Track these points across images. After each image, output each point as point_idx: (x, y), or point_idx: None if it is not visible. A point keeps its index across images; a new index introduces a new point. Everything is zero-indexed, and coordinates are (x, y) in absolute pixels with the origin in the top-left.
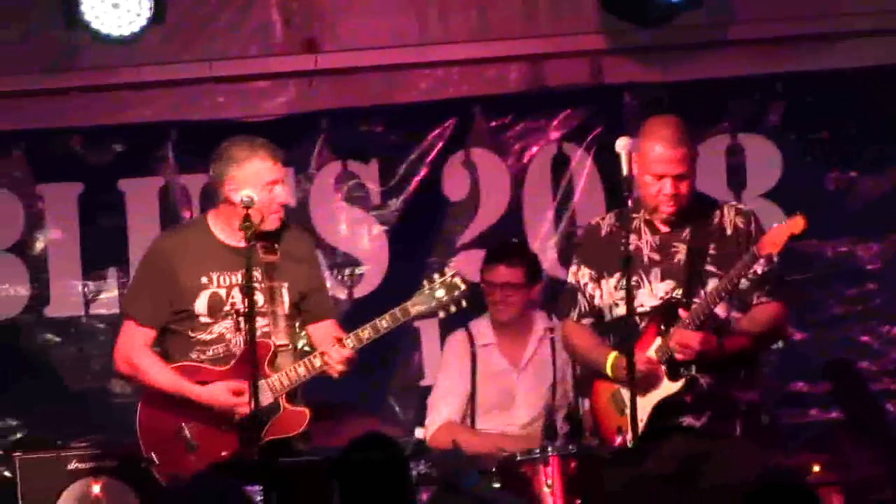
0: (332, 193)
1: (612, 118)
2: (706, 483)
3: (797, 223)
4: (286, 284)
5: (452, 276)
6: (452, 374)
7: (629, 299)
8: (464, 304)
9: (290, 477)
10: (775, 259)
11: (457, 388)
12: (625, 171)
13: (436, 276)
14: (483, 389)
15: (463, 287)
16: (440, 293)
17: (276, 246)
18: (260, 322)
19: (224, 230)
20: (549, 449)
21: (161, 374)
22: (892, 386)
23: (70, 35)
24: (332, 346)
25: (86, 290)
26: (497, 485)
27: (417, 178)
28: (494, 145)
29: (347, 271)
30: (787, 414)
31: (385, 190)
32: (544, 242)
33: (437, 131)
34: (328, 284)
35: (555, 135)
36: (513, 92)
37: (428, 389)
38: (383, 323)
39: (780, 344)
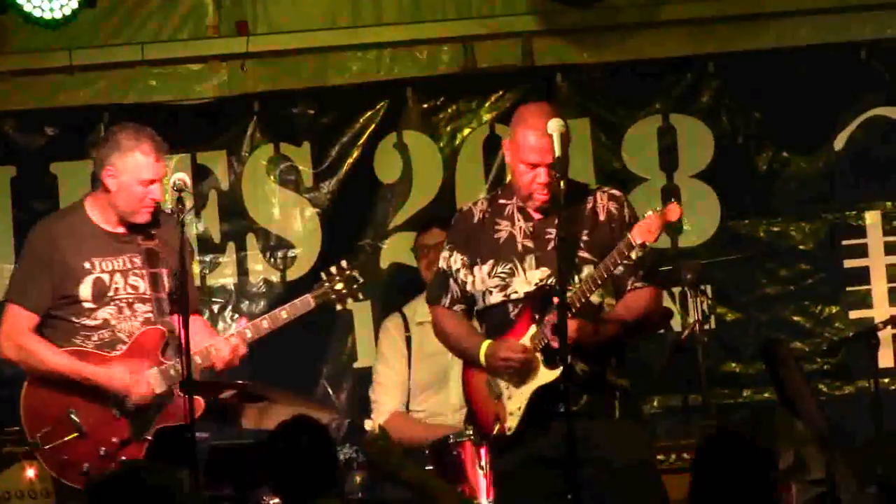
0: (265, 176)
1: (544, 100)
2: (591, 465)
3: (672, 211)
4: (166, 271)
5: (351, 269)
6: (390, 363)
7: (562, 284)
8: (360, 296)
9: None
10: (648, 244)
11: (396, 378)
12: (557, 152)
13: (333, 269)
14: (418, 371)
15: (360, 280)
16: (339, 286)
17: (153, 233)
18: (143, 308)
19: (101, 216)
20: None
21: (55, 357)
22: (825, 366)
23: (1, 18)
24: (222, 339)
25: None
26: (429, 467)
27: (350, 161)
28: (426, 127)
29: (280, 254)
30: (719, 394)
31: (317, 172)
32: None
33: (368, 113)
34: (259, 268)
35: (487, 116)
36: (444, 74)
37: (361, 372)
38: (283, 314)
39: (662, 330)
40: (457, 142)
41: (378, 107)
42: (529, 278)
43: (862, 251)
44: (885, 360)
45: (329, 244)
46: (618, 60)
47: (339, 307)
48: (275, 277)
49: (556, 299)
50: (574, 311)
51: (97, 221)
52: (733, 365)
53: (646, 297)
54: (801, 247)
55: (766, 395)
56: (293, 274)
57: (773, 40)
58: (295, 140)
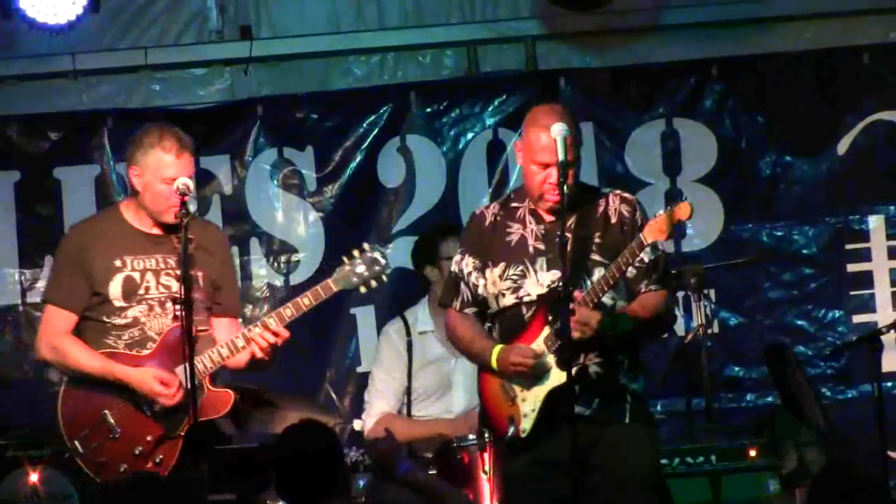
0: (268, 180)
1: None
2: (600, 469)
3: (683, 209)
4: (201, 273)
5: (372, 251)
6: (387, 368)
7: (566, 287)
8: (384, 279)
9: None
10: (661, 247)
11: (392, 382)
12: (560, 157)
13: (355, 251)
14: (420, 377)
15: (383, 262)
16: (360, 269)
17: (191, 236)
18: (174, 307)
19: (136, 217)
20: (486, 435)
21: (88, 357)
22: (828, 370)
23: (6, 23)
24: (255, 328)
25: (22, 278)
26: (433, 471)
27: (353, 165)
28: (430, 131)
29: (283, 258)
30: (723, 398)
31: (321, 177)
32: None
33: (372, 118)
34: (263, 273)
35: (490, 121)
36: (448, 78)
37: (364, 376)
38: (305, 301)
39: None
40: (460, 146)
41: (381, 111)
42: (541, 280)
43: (865, 255)
44: (888, 363)
45: (332, 248)
46: (621, 65)
47: (362, 290)
48: (278, 282)
49: (576, 294)
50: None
51: (131, 222)
52: (737, 369)
53: (660, 299)
54: (804, 251)
55: (770, 398)
56: (296, 278)
57: (776, 44)
58: (298, 144)
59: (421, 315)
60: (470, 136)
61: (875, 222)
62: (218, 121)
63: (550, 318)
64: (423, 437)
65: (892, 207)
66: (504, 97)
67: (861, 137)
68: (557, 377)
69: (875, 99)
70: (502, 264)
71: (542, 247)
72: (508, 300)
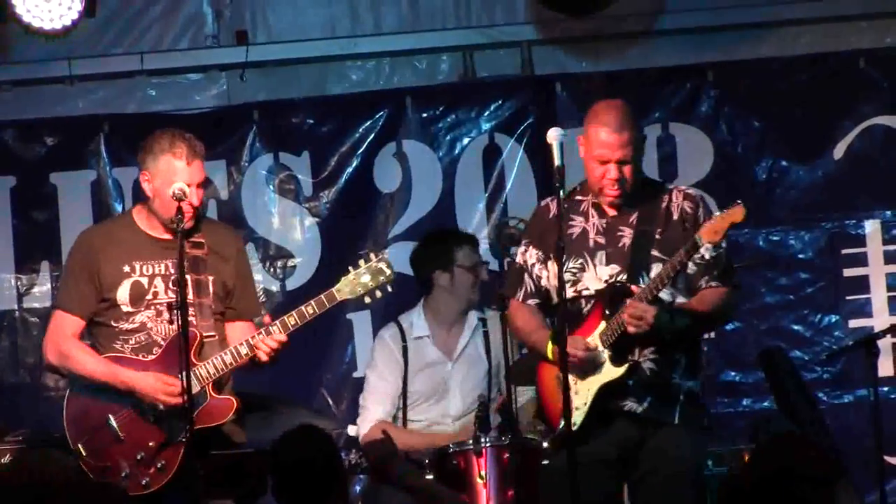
0: (264, 185)
1: (543, 109)
2: (642, 469)
3: (738, 212)
4: (212, 278)
5: (378, 261)
6: (382, 373)
7: (562, 286)
8: (389, 289)
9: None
10: (723, 245)
11: (387, 387)
12: (556, 162)
13: (361, 261)
14: (416, 382)
15: (388, 272)
16: (366, 279)
17: (203, 241)
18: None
19: (147, 222)
20: (483, 440)
21: (93, 362)
22: (825, 375)
23: (1, 28)
24: (258, 335)
25: (18, 283)
26: (430, 476)
27: (349, 170)
28: (426, 136)
29: (280, 263)
30: (719, 403)
31: (317, 182)
32: (476, 233)
33: (368, 123)
34: (259, 278)
35: (486, 126)
36: (444, 83)
37: (361, 381)
38: (309, 310)
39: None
40: (456, 151)
41: (377, 116)
42: (600, 274)
43: (862, 260)
44: (884, 368)
45: (328, 253)
46: (617, 69)
47: (367, 300)
48: (274, 287)
49: (634, 288)
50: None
51: (143, 227)
52: (733, 374)
53: (720, 295)
54: (800, 256)
55: (766, 403)
56: (293, 283)
57: (772, 49)
58: (294, 149)
59: (416, 320)
60: (466, 140)
61: (871, 227)
62: (214, 126)
63: (607, 312)
64: (420, 448)
65: (888, 212)
66: (500, 102)
67: (857, 142)
68: (610, 372)
69: (871, 104)
70: (564, 257)
71: (602, 241)
72: (568, 293)
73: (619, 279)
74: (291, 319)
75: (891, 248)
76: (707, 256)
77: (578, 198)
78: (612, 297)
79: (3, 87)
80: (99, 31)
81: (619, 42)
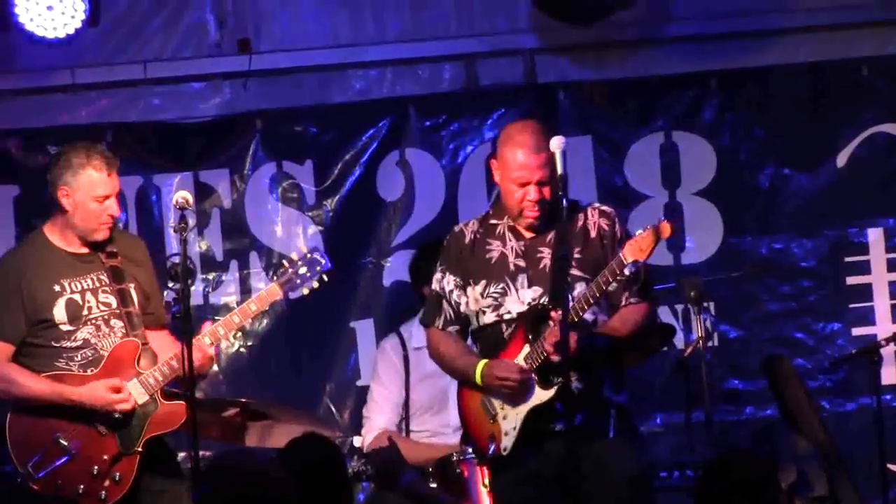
0: (267, 194)
1: (546, 117)
2: (590, 482)
3: (664, 229)
4: (133, 286)
5: (312, 252)
6: (385, 384)
7: (564, 303)
8: (325, 278)
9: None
10: (641, 261)
11: (390, 397)
12: (559, 170)
13: (294, 255)
14: (418, 391)
15: (322, 261)
16: (302, 270)
17: (116, 250)
18: (119, 324)
19: (62, 239)
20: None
21: (35, 383)
22: (828, 383)
23: (4, 37)
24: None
25: None
26: (433, 484)
27: (352, 179)
28: (429, 145)
29: None
30: (722, 411)
31: (320, 190)
32: None
33: (371, 131)
34: (262, 286)
35: (489, 134)
36: (447, 91)
37: (364, 390)
38: (252, 306)
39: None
40: (459, 159)
41: (380, 124)
42: (522, 298)
43: (864, 268)
44: (887, 377)
45: (331, 262)
46: (620, 77)
47: (305, 292)
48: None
49: (554, 314)
50: (569, 327)
51: (59, 245)
52: (736, 382)
53: (640, 312)
54: (803, 264)
55: (769, 411)
56: (295, 292)
57: (774, 57)
58: (297, 158)
59: (415, 331)
60: (469, 149)
61: (874, 235)
62: (217, 134)
63: (531, 335)
64: (420, 461)
65: (891, 220)
66: (503, 110)
67: (860, 150)
68: (539, 395)
69: (873, 111)
70: (483, 282)
71: (522, 264)
72: (489, 318)
73: (541, 301)
74: (235, 317)
75: (894, 256)
76: (627, 272)
77: (493, 221)
78: (534, 320)
79: (7, 95)
80: (102, 40)
81: (621, 50)
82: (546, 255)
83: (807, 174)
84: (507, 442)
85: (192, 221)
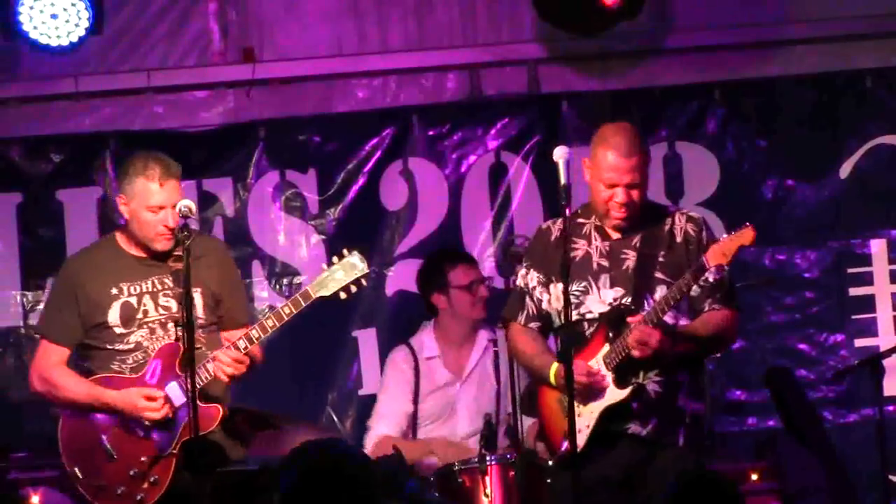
0: (270, 203)
1: (549, 127)
2: (646, 491)
3: (747, 234)
4: (199, 290)
5: (351, 255)
6: (392, 394)
7: (567, 308)
8: (363, 283)
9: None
10: (726, 268)
11: (397, 408)
12: (562, 181)
13: (335, 258)
14: (427, 402)
15: (361, 266)
16: (339, 275)
17: (183, 254)
18: (175, 327)
19: (129, 243)
20: (488, 458)
21: (76, 387)
22: (830, 394)
23: (8, 45)
24: (225, 349)
25: (24, 300)
26: (436, 493)
27: (355, 188)
28: (432, 154)
29: (286, 281)
30: (725, 422)
31: (323, 199)
32: (482, 252)
33: (374, 140)
34: (265, 295)
35: (492, 144)
36: (450, 101)
37: (366, 399)
38: (286, 310)
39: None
40: (462, 169)
41: (384, 134)
42: (604, 297)
43: (867, 279)
44: (890, 388)
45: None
46: (623, 88)
47: (342, 296)
48: (280, 304)
49: (631, 318)
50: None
51: (126, 248)
52: (738, 392)
53: (723, 318)
54: (806, 275)
55: (772, 422)
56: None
57: (779, 68)
58: (301, 167)
59: (427, 341)
60: (472, 158)
61: (877, 246)
62: (220, 143)
63: (611, 335)
64: (416, 458)
65: (894, 231)
66: (506, 120)
67: (863, 161)
68: (614, 395)
69: (877, 123)
70: None
71: (605, 264)
72: (572, 316)
73: (622, 302)
74: (269, 321)
75: None
76: (711, 279)
77: (580, 220)
78: (615, 320)
79: (10, 103)
80: (106, 48)
81: (625, 60)
82: (630, 256)
83: (810, 185)
84: (580, 440)
85: (195, 229)
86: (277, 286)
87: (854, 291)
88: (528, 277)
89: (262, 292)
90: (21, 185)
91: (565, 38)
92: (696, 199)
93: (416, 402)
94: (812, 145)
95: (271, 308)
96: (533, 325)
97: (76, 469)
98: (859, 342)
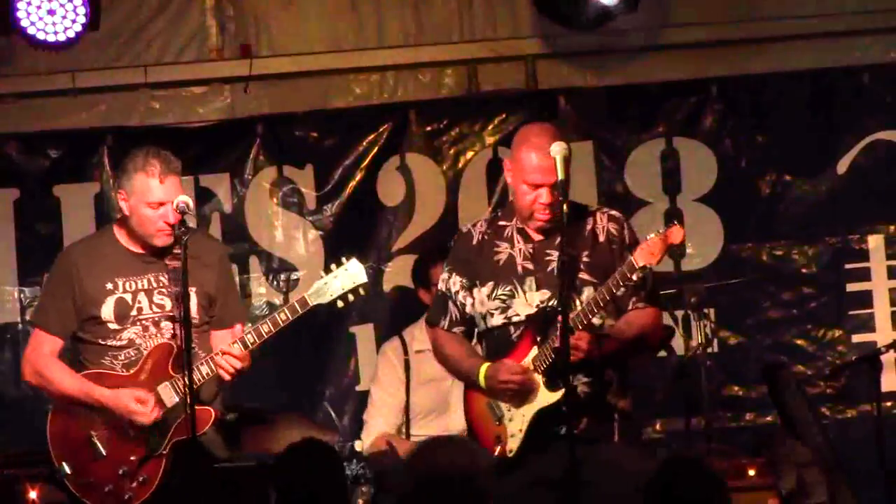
0: (268, 199)
1: (546, 121)
2: (590, 487)
3: (675, 233)
4: (194, 289)
5: (350, 264)
6: (386, 387)
7: (564, 306)
8: (361, 292)
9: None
10: (650, 267)
11: (391, 401)
12: (560, 176)
13: (333, 265)
14: (419, 395)
15: (360, 276)
16: (337, 283)
17: (182, 252)
18: (169, 326)
19: (128, 238)
20: None
21: (68, 381)
22: (828, 390)
23: (5, 41)
24: (227, 347)
25: (21, 296)
26: None
27: (353, 183)
28: (429, 150)
29: (283, 276)
30: (722, 418)
31: (320, 195)
32: None
33: (371, 136)
34: (262, 291)
35: (490, 139)
36: (448, 97)
37: (363, 395)
38: (282, 316)
39: (664, 353)
40: (460, 165)
41: (381, 129)
42: (530, 300)
43: (865, 275)
44: (887, 383)
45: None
46: (621, 84)
47: (339, 304)
48: (277, 300)
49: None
50: (576, 333)
51: (124, 243)
52: (736, 388)
53: (647, 317)
54: (803, 270)
55: (769, 418)
56: (296, 297)
57: (776, 64)
58: (298, 163)
59: (418, 334)
60: (469, 154)
61: (875, 242)
62: (217, 139)
63: (538, 338)
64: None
65: (891, 227)
66: (504, 116)
67: (860, 157)
68: (545, 397)
69: (874, 119)
70: (490, 284)
71: (530, 266)
72: (497, 320)
73: (549, 305)
74: (265, 327)
75: (894, 263)
76: (635, 277)
77: (502, 223)
78: (542, 323)
79: (7, 99)
80: (103, 44)
81: (623, 56)
82: (555, 258)
83: (808, 181)
84: (512, 444)
85: (192, 225)
86: (275, 282)
87: (852, 287)
88: (449, 282)
89: (260, 288)
90: (18, 180)
91: (563, 34)
92: (694, 194)
93: (407, 394)
94: (809, 141)
95: (269, 305)
96: (457, 329)
97: (63, 464)
98: (857, 337)
